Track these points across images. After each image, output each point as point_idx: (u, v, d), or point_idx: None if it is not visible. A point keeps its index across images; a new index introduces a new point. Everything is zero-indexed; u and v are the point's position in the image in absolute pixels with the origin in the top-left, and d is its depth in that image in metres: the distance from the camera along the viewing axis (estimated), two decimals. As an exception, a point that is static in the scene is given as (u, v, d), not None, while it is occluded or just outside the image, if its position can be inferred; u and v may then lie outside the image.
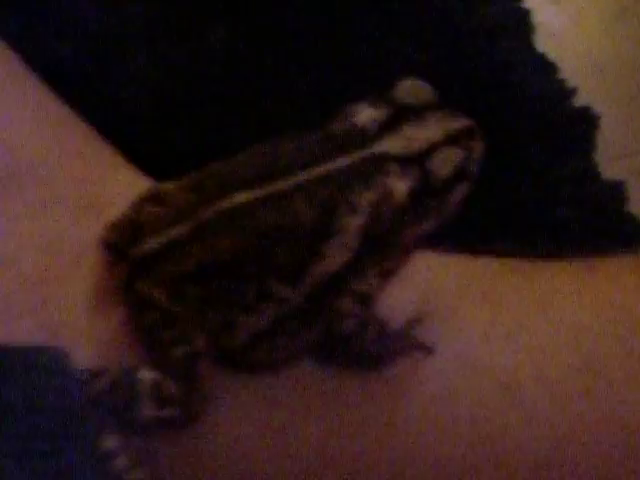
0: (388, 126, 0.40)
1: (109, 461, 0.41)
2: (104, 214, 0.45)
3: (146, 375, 0.41)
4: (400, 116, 0.41)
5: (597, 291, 0.44)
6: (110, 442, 0.41)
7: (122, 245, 0.42)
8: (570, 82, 0.65)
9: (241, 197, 0.40)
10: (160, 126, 0.57)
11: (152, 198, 0.43)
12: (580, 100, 0.64)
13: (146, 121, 0.57)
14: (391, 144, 0.40)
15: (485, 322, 0.43)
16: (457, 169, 0.40)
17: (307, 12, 0.61)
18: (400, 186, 0.40)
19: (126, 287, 0.42)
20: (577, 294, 0.44)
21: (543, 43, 0.66)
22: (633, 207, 0.62)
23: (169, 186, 0.43)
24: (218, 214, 0.40)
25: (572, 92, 0.65)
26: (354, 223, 0.40)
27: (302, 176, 0.40)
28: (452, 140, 0.40)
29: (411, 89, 0.41)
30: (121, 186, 0.47)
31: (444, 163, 0.40)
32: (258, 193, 0.40)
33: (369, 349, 0.41)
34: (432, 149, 0.40)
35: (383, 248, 0.41)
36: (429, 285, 0.44)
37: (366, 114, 0.41)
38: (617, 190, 0.63)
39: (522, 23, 0.66)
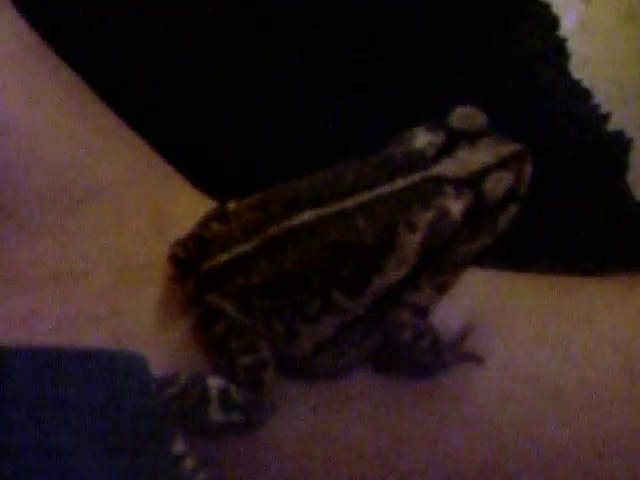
0: (444, 150, 0.43)
1: (178, 463, 0.43)
2: (169, 231, 0.47)
3: (215, 382, 0.44)
4: (455, 141, 0.43)
5: (634, 306, 0.46)
6: (179, 445, 0.44)
7: (189, 260, 0.45)
8: (603, 107, 0.67)
9: (306, 216, 0.42)
10: (219, 151, 0.59)
11: (218, 216, 0.46)
12: (613, 125, 0.66)
13: (204, 146, 0.59)
14: (447, 167, 0.42)
15: (530, 335, 0.45)
16: (508, 191, 0.42)
17: (354, 40, 0.63)
18: (456, 206, 0.42)
19: (195, 299, 0.45)
20: (615, 309, 0.46)
21: (577, 70, 0.68)
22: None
23: (234, 205, 0.46)
24: (285, 231, 0.42)
25: (606, 117, 0.67)
26: (412, 240, 0.42)
27: (364, 196, 0.42)
28: (504, 164, 0.42)
29: (465, 116, 0.44)
30: (185, 206, 0.49)
31: (497, 185, 0.42)
32: (322, 212, 0.42)
33: (423, 359, 0.44)
34: (485, 172, 0.42)
35: (439, 264, 0.43)
36: (479, 300, 0.46)
37: (423, 139, 0.43)
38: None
39: (558, 51, 0.68)
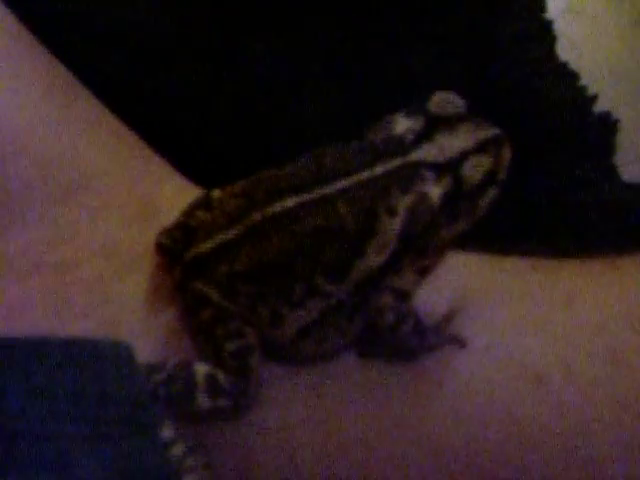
0: (423, 136, 0.43)
1: (167, 449, 0.44)
2: (156, 220, 0.48)
3: (202, 368, 0.44)
4: (434, 126, 0.44)
5: (617, 287, 0.46)
6: (167, 431, 0.44)
7: (175, 248, 0.46)
8: (590, 89, 0.67)
9: (289, 202, 0.43)
10: (204, 138, 0.60)
11: (203, 204, 0.46)
12: (600, 106, 0.67)
13: (190, 133, 0.60)
14: (426, 152, 0.43)
15: (513, 317, 0.46)
16: (487, 175, 0.43)
17: (339, 27, 0.64)
18: (435, 191, 0.43)
19: (181, 286, 0.45)
20: (598, 290, 0.46)
21: (564, 52, 0.68)
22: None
23: (218, 193, 0.47)
24: (268, 218, 0.43)
25: (592, 99, 0.67)
26: (393, 225, 0.43)
27: (345, 182, 0.43)
28: (482, 148, 0.43)
29: (443, 101, 0.44)
30: (170, 193, 0.50)
31: (475, 170, 0.43)
32: (305, 198, 0.43)
33: (407, 342, 0.44)
34: (464, 157, 0.43)
35: (420, 248, 0.43)
36: (461, 283, 0.47)
37: (403, 125, 0.44)
38: (637, 191, 0.66)
39: (545, 33, 0.69)
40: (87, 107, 0.51)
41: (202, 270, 0.44)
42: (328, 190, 0.43)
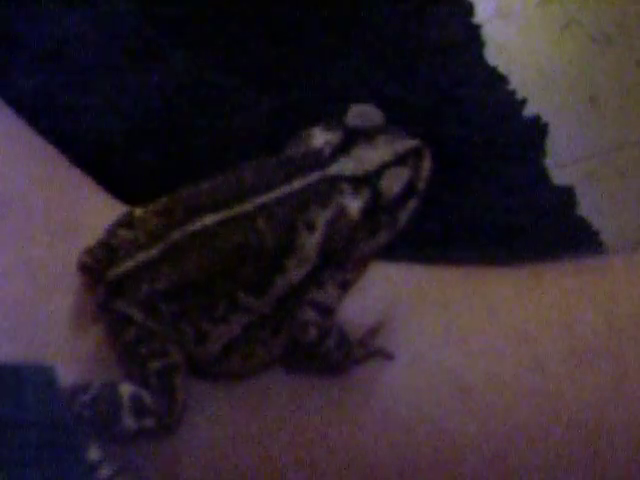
0: (341, 149, 0.43)
1: (94, 471, 0.43)
2: (80, 238, 0.47)
3: (126, 388, 0.44)
4: (352, 139, 0.44)
5: (541, 295, 0.46)
6: (94, 453, 0.44)
7: (98, 268, 0.45)
8: (520, 93, 0.68)
9: (207, 219, 0.43)
10: (128, 152, 0.59)
11: (125, 223, 0.46)
12: (530, 110, 0.67)
13: (113, 148, 0.59)
14: (344, 166, 0.43)
15: (439, 328, 0.46)
16: (405, 187, 0.43)
17: (263, 36, 0.63)
18: (353, 204, 0.42)
19: (104, 307, 0.45)
20: (523, 299, 0.46)
21: (493, 56, 0.68)
22: (582, 211, 0.65)
23: (140, 211, 0.46)
24: (187, 235, 0.43)
25: (522, 103, 0.67)
26: (312, 240, 0.42)
27: (264, 198, 0.43)
28: (400, 160, 0.43)
29: (361, 113, 0.44)
30: (93, 211, 0.49)
31: (393, 182, 0.43)
32: (223, 215, 0.43)
33: (331, 356, 0.44)
34: (382, 169, 0.43)
35: (341, 262, 0.43)
36: (387, 294, 0.47)
37: (321, 138, 0.44)
38: (567, 195, 0.66)
39: (473, 38, 0.69)
40: (7, 124, 0.50)
41: (124, 290, 0.44)
42: (247, 206, 0.42)
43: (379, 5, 0.67)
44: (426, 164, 0.43)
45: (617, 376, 0.44)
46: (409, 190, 0.43)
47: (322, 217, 0.42)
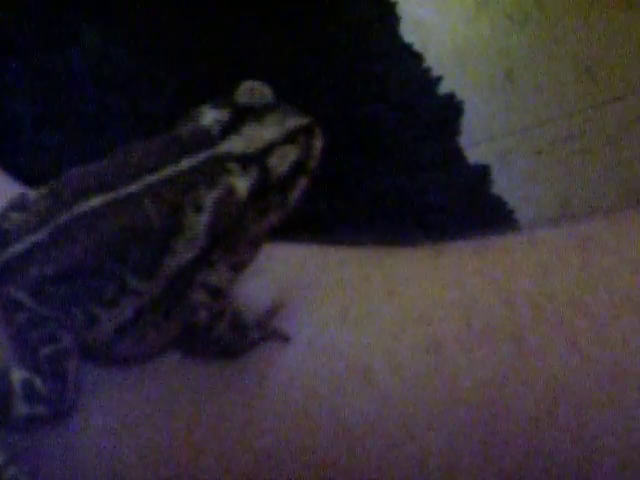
0: (230, 127, 0.43)
1: None
2: None
3: (18, 375, 0.43)
4: (241, 117, 0.43)
5: (440, 275, 0.46)
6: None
7: None
8: (435, 70, 0.67)
9: (94, 201, 0.42)
10: (36, 134, 0.58)
11: (17, 206, 0.45)
12: (445, 88, 0.67)
13: (22, 130, 0.58)
14: (232, 144, 0.42)
15: (337, 310, 0.45)
16: (294, 166, 0.42)
17: (175, 12, 0.63)
18: (241, 184, 0.42)
19: (-5, 292, 0.44)
20: (422, 279, 0.46)
21: (408, 33, 0.68)
22: (497, 190, 0.65)
23: (33, 193, 0.45)
24: (74, 218, 0.42)
25: (437, 80, 0.67)
26: (200, 220, 0.42)
27: (151, 178, 0.42)
28: (289, 138, 0.42)
29: (250, 90, 0.43)
30: None
31: (281, 161, 0.42)
32: (110, 197, 0.42)
33: (225, 339, 0.43)
34: (270, 148, 0.42)
35: (231, 243, 0.43)
36: (285, 275, 0.46)
37: (209, 116, 0.43)
38: (482, 173, 0.66)
39: (387, 14, 0.68)
40: None
41: (13, 274, 0.43)
42: (134, 187, 0.42)
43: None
44: (317, 142, 0.43)
45: (514, 354, 0.43)
46: (299, 169, 0.42)
47: (210, 197, 0.42)
